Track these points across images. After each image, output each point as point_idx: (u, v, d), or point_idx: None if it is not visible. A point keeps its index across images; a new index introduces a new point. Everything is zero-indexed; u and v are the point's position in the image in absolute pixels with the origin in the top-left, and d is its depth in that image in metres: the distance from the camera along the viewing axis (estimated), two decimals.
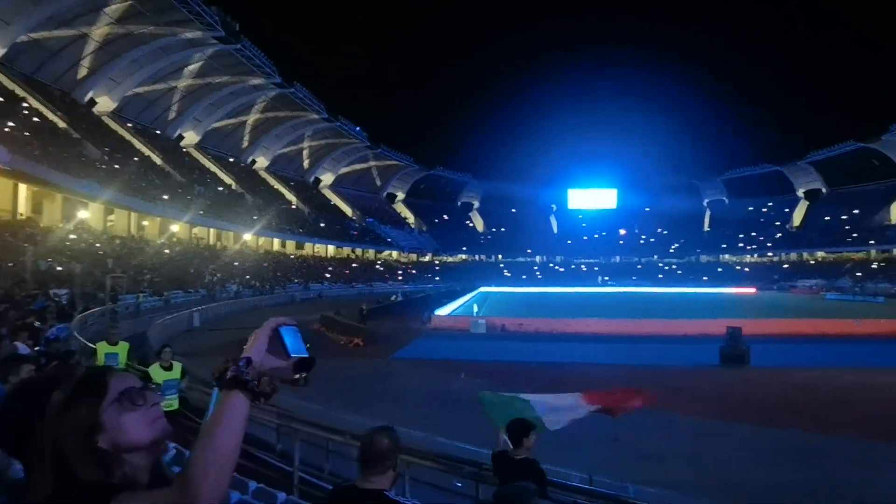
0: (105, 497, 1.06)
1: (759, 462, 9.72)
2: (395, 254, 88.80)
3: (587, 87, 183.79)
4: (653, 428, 11.70)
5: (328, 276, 66.15)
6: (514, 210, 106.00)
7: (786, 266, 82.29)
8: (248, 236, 59.46)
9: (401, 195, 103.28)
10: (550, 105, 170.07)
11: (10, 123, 32.80)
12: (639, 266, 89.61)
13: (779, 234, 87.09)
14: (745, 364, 19.02)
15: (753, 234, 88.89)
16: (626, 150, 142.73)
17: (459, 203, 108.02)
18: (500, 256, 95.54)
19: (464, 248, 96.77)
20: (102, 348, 8.66)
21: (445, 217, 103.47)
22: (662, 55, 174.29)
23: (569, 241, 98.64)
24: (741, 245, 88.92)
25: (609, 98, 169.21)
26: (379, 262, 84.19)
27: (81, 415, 1.12)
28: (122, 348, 8.81)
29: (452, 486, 5.72)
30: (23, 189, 34.05)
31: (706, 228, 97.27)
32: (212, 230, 56.72)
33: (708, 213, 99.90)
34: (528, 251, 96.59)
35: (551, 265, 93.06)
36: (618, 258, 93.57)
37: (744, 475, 9.08)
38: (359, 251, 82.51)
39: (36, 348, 8.71)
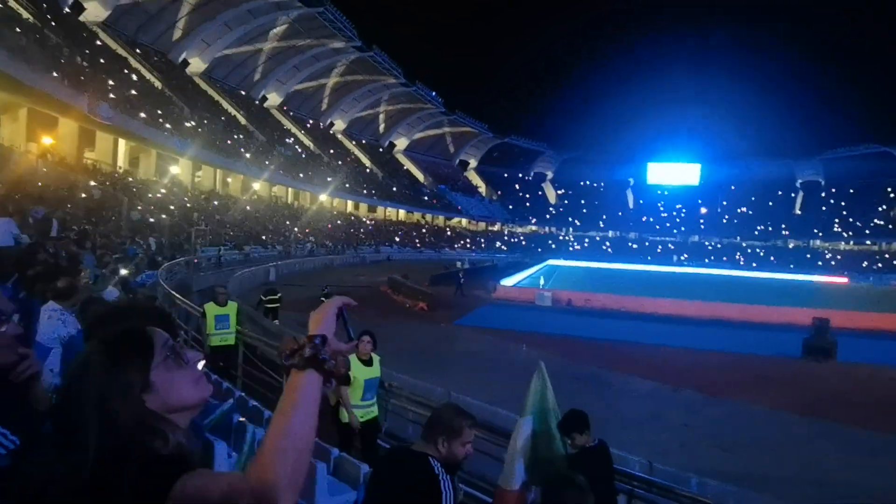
0: (176, 471, 0.96)
1: (841, 461, 9.13)
2: (464, 221, 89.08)
3: (672, 57, 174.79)
4: (727, 417, 11.42)
5: (398, 239, 67.25)
6: (588, 182, 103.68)
7: (886, 256, 76.60)
8: (323, 197, 61.11)
9: (473, 163, 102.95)
10: (632, 75, 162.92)
11: (111, 82, 34.74)
12: (719, 246, 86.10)
13: (880, 221, 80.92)
14: (831, 358, 17.95)
15: (851, 219, 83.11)
16: (713, 124, 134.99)
17: (532, 173, 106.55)
18: (571, 229, 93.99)
19: (534, 219, 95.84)
20: (211, 309, 8.63)
21: (517, 187, 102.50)
22: (756, 21, 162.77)
23: (645, 217, 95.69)
24: (836, 230, 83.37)
25: (696, 68, 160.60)
26: (448, 228, 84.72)
27: (132, 375, 1.05)
28: (232, 308, 8.75)
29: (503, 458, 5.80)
30: (122, 144, 36.28)
31: (797, 211, 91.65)
32: (290, 189, 58.63)
33: (801, 195, 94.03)
34: (601, 225, 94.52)
35: (625, 241, 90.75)
36: (697, 237, 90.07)
37: (825, 474, 8.64)
38: (429, 217, 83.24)
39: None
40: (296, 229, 48.46)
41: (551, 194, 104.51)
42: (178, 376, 1.11)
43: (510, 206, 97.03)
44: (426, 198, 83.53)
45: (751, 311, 27.68)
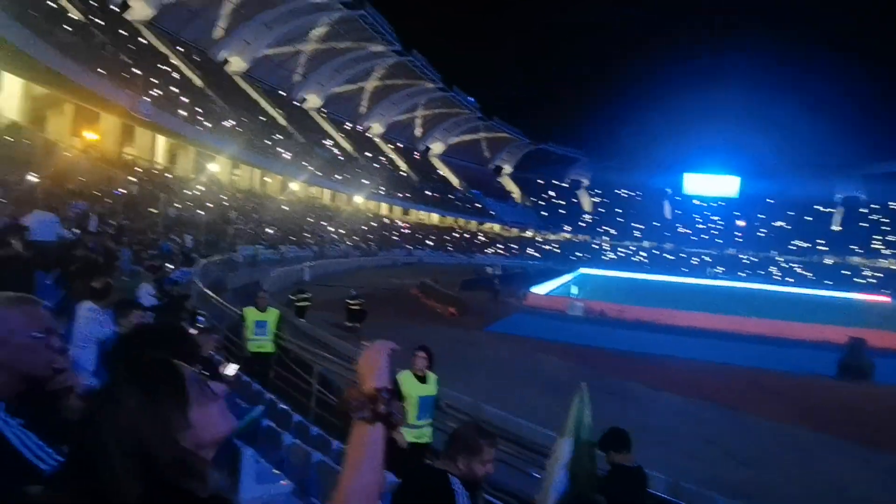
0: None
1: (869, 483, 8.94)
2: (497, 227, 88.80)
3: (714, 67, 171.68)
4: (755, 434, 11.14)
5: (430, 243, 67.39)
6: (625, 191, 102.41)
7: None
8: (358, 199, 61.61)
9: (508, 168, 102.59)
10: (672, 84, 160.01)
11: (153, 80, 35.56)
12: (755, 260, 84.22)
13: None
14: (867, 379, 17.40)
15: (892, 236, 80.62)
16: (753, 137, 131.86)
17: (568, 180, 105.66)
18: (605, 238, 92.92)
19: (568, 227, 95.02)
20: (251, 314, 8.49)
21: (552, 193, 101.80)
22: (798, 34, 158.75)
23: (681, 228, 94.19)
24: (876, 247, 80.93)
25: (737, 79, 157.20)
26: (480, 233, 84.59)
27: (170, 413, 0.99)
28: (272, 315, 8.57)
29: (530, 473, 5.68)
30: (161, 140, 37.09)
31: (836, 227, 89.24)
32: (326, 190, 59.25)
33: (840, 210, 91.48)
34: (637, 235, 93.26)
35: (659, 252, 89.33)
36: (733, 250, 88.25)
37: (851, 497, 8.42)
38: (461, 221, 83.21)
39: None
40: (331, 230, 48.91)
41: (586, 202, 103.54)
42: (210, 410, 1.06)
43: (544, 213, 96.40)
44: (459, 202, 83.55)
45: (785, 328, 27.00)
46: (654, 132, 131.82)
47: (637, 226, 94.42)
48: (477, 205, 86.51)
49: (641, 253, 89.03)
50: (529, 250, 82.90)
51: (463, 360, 14.93)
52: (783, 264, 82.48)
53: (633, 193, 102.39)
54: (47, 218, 10.52)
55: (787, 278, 76.00)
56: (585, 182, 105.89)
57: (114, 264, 11.19)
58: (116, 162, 30.65)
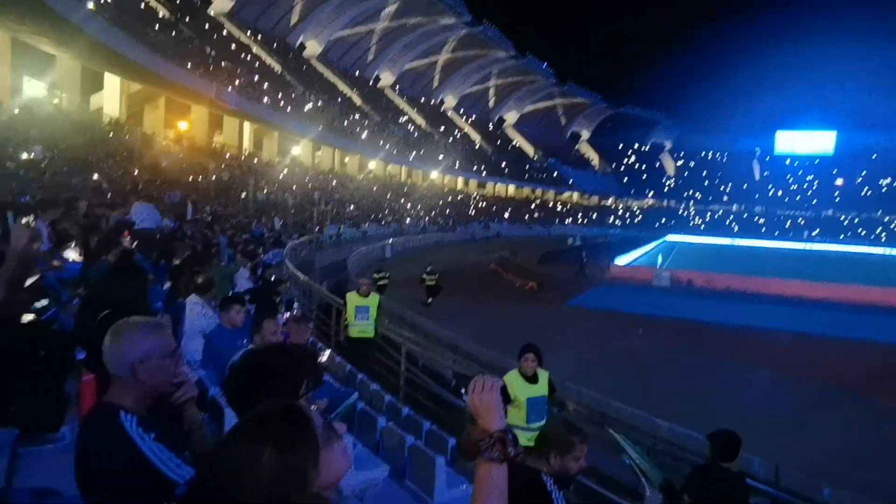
0: None
1: None
2: (575, 195, 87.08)
3: (803, 16, 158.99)
4: (856, 414, 10.54)
5: (507, 216, 67.09)
6: (710, 153, 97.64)
7: None
8: (434, 174, 62.03)
9: (585, 134, 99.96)
10: (758, 37, 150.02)
11: (237, 70, 37.00)
12: (856, 221, 78.39)
13: None
14: None
15: None
16: (850, 88, 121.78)
17: (649, 144, 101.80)
18: (691, 203, 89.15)
19: (651, 193, 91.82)
20: (353, 300, 8.54)
21: (632, 159, 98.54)
22: None
23: (773, 190, 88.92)
24: None
25: (830, 26, 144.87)
26: (559, 203, 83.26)
27: (303, 460, 1.04)
28: (373, 301, 8.58)
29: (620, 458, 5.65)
30: (247, 127, 38.69)
31: None
32: (403, 168, 60.03)
33: None
34: (725, 199, 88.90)
35: (750, 215, 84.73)
36: (831, 211, 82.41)
37: None
38: (539, 192, 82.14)
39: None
40: (409, 206, 49.65)
41: (669, 166, 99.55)
42: (335, 451, 1.11)
43: (625, 179, 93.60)
44: (536, 172, 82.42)
45: (891, 295, 25.15)
46: (742, 90, 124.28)
47: (724, 189, 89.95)
48: (554, 174, 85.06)
49: (730, 217, 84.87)
50: (610, 219, 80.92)
51: (543, 337, 14.89)
52: (890, 225, 76.34)
53: (719, 155, 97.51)
54: (148, 208, 11.22)
55: (894, 240, 70.35)
56: (668, 145, 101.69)
57: (211, 252, 11.95)
58: (207, 150, 32.29)
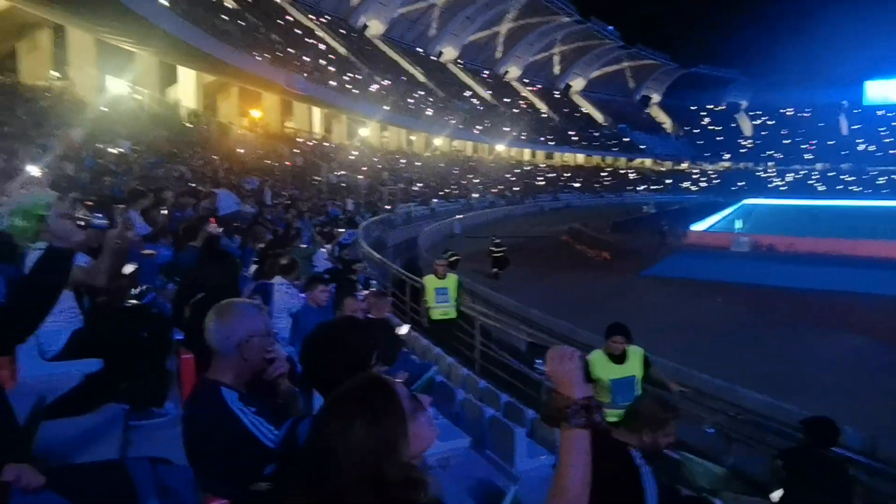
0: None
1: None
2: (647, 162, 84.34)
3: None
4: None
5: (577, 185, 65.84)
6: (791, 109, 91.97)
7: None
8: (501, 148, 61.51)
9: (656, 97, 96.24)
10: None
11: (304, 57, 37.73)
12: None
13: None
14: None
15: None
16: None
17: (724, 104, 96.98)
18: (770, 164, 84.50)
19: (727, 155, 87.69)
20: (431, 282, 8.44)
21: (706, 120, 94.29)
22: None
23: (863, 145, 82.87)
24: None
25: None
26: (630, 170, 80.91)
27: (394, 432, 1.07)
28: (451, 281, 8.47)
29: (701, 429, 5.54)
30: (316, 112, 39.56)
31: None
32: (469, 143, 59.83)
33: None
34: (808, 157, 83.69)
35: (836, 174, 79.33)
36: None
37: None
38: (609, 159, 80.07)
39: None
40: (476, 181, 49.57)
41: (746, 126, 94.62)
42: (421, 422, 1.14)
43: (699, 142, 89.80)
44: (605, 139, 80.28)
45: None
46: (823, 40, 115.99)
47: (807, 147, 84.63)
48: (625, 140, 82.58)
49: (814, 176, 79.88)
50: (685, 184, 77.99)
51: (617, 308, 14.59)
52: None
53: (800, 111, 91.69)
54: (228, 194, 11.71)
55: None
56: (744, 104, 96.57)
57: (292, 234, 12.42)
58: (280, 136, 33.27)
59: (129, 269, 3.70)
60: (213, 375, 1.85)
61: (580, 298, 15.17)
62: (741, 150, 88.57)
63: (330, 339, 1.86)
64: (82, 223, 1.73)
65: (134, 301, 3.83)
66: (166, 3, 22.18)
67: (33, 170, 5.21)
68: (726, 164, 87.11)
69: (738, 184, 77.03)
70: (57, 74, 23.13)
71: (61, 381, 3.14)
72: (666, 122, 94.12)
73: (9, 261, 3.50)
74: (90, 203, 1.76)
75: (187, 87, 29.56)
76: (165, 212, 7.27)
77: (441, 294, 8.33)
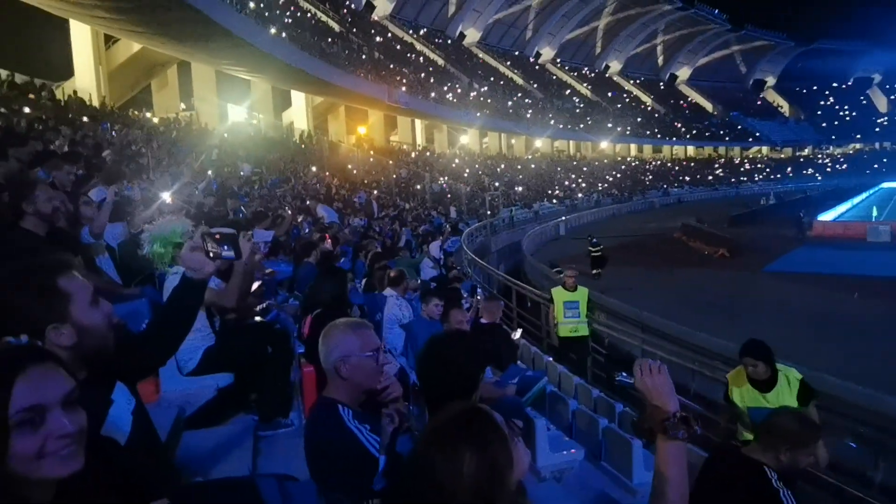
0: None
1: None
2: (764, 149, 78.98)
3: None
4: None
5: (688, 179, 62.86)
6: None
7: None
8: (604, 145, 60.02)
9: (771, 80, 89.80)
10: None
11: (404, 70, 38.81)
12: None
13: None
14: None
15: None
16: None
17: (851, 81, 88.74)
18: None
19: (857, 136, 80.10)
20: (559, 295, 7.85)
21: (831, 100, 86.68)
22: None
23: None
24: None
25: None
26: (745, 160, 76.09)
27: (500, 458, 1.09)
28: (582, 294, 7.84)
29: (843, 443, 5.06)
30: (418, 124, 40.58)
31: None
32: (571, 142, 58.87)
33: None
34: None
35: None
36: None
37: None
38: (721, 150, 75.80)
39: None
40: (580, 180, 48.66)
41: (881, 102, 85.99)
42: (518, 448, 1.14)
43: (822, 125, 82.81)
44: (717, 129, 76.10)
45: None
46: None
47: None
48: (738, 128, 77.84)
49: None
50: (808, 171, 72.20)
51: (740, 308, 13.79)
52: None
53: None
54: (327, 209, 12.18)
55: None
56: (876, 78, 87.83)
57: (398, 245, 12.82)
58: (385, 150, 34.42)
59: (254, 287, 3.96)
60: (329, 394, 1.95)
61: (700, 299, 14.41)
62: (874, 129, 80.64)
63: (438, 358, 1.91)
64: (212, 255, 1.87)
65: (259, 318, 4.08)
66: (283, 35, 23.64)
67: (166, 196, 5.68)
68: (856, 145, 79.72)
69: (873, 167, 70.24)
70: (183, 106, 25.33)
71: (198, 395, 3.40)
72: (783, 105, 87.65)
73: (151, 283, 3.88)
74: (219, 237, 1.88)
75: (299, 110, 31.30)
76: (286, 231, 7.74)
77: (571, 308, 7.65)
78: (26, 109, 14.02)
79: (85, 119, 16.06)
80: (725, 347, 7.98)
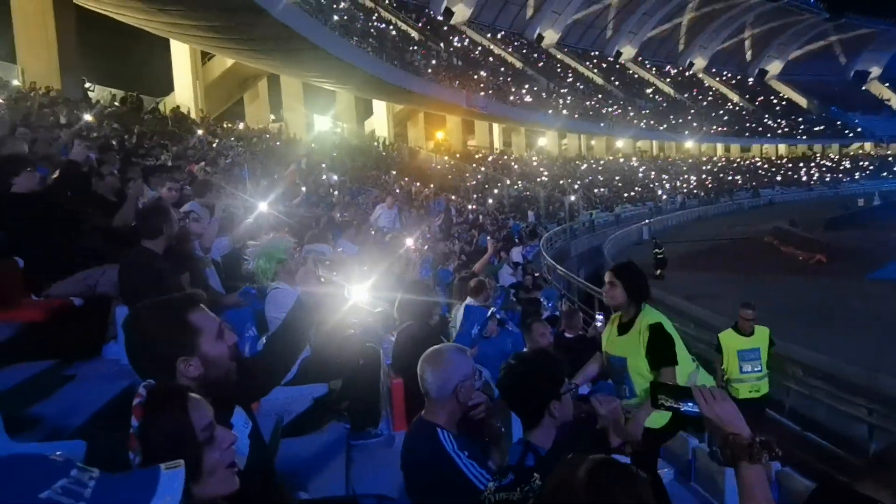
0: None
1: None
2: (867, 146, 73.55)
3: None
4: None
5: (780, 179, 59.60)
6: None
7: None
8: (689, 144, 57.93)
9: (876, 70, 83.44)
10: None
11: (482, 74, 38.96)
12: None
13: None
14: None
15: None
16: None
17: None
18: None
19: None
20: (732, 342, 5.80)
21: None
22: None
23: None
24: None
25: None
26: (846, 157, 71.20)
27: None
28: (762, 337, 5.80)
29: None
30: (496, 127, 40.63)
31: None
32: (654, 142, 57.19)
33: None
34: None
35: None
36: None
37: None
38: (818, 147, 71.29)
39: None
40: (664, 182, 47.16)
41: None
42: None
43: None
44: (812, 125, 71.66)
45: None
46: None
47: None
48: (836, 124, 72.95)
49: None
50: None
51: (841, 320, 12.94)
52: None
53: None
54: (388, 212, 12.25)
55: None
56: None
57: (475, 253, 12.90)
58: (464, 155, 34.69)
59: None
60: (428, 417, 2.03)
61: (795, 305, 13.64)
62: None
63: (521, 375, 1.98)
64: (323, 280, 2.01)
65: (351, 331, 4.26)
66: (365, 46, 24.32)
67: (263, 207, 5.97)
68: None
69: None
70: (273, 117, 26.53)
71: (295, 404, 3.60)
72: (890, 97, 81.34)
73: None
74: (328, 262, 2.04)
75: (380, 118, 32.08)
76: (369, 239, 7.98)
77: (749, 360, 5.67)
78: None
79: (194, 133, 16.43)
80: (824, 363, 7.57)
